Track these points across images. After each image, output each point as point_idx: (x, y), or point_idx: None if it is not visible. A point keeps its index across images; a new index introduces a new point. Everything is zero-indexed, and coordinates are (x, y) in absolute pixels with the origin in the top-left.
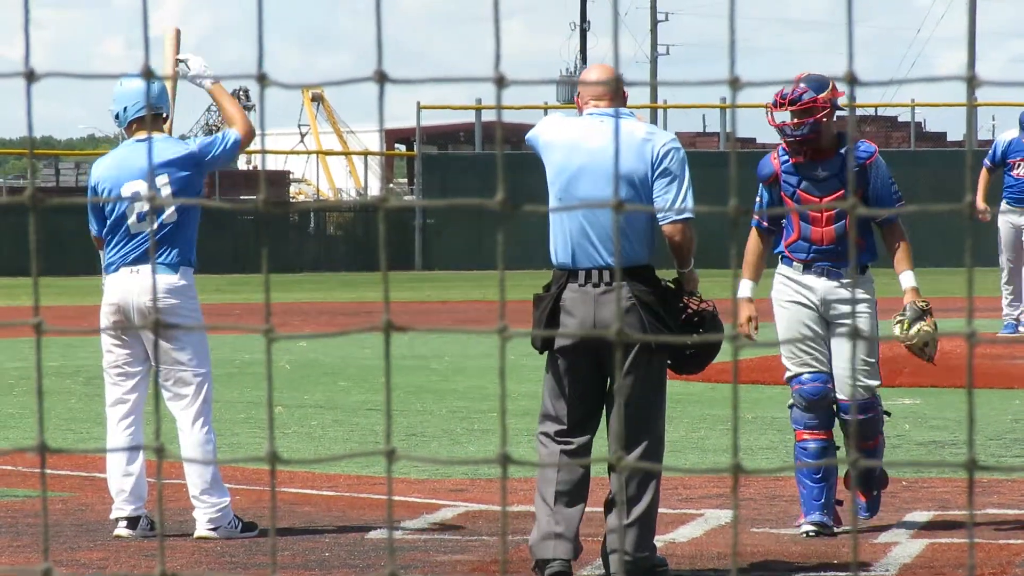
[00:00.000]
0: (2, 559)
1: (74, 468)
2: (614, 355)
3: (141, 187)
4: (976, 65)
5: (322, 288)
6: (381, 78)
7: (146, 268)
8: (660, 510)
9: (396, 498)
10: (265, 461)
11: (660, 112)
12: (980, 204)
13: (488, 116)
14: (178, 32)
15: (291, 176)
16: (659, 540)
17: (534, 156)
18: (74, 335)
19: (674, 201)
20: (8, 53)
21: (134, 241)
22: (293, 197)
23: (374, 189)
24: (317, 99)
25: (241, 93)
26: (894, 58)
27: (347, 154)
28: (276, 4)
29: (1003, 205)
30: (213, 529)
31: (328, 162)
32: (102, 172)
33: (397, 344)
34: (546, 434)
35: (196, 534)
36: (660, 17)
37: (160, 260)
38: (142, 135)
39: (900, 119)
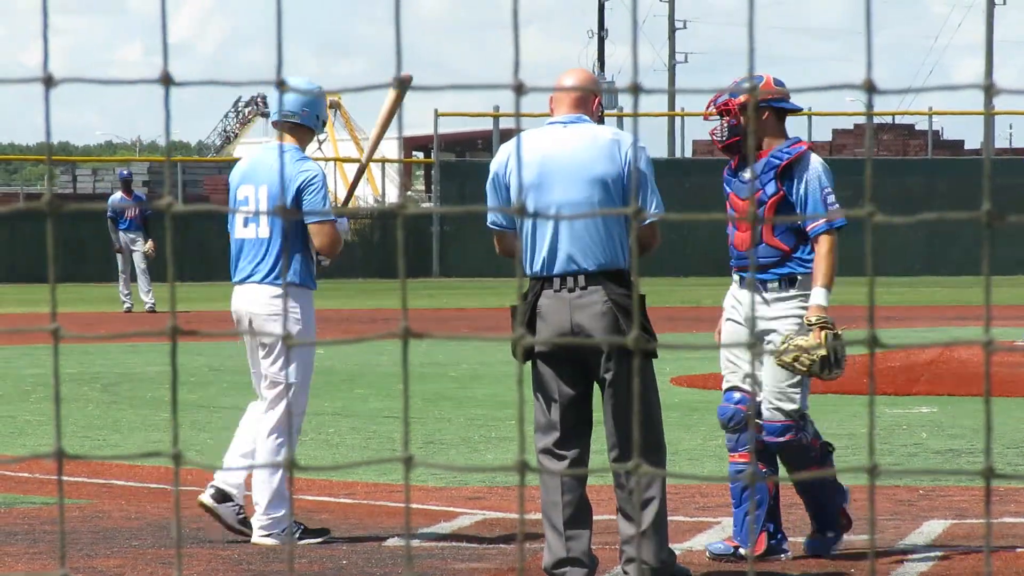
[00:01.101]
0: (19, 565)
1: (91, 475)
2: (599, 359)
3: (248, 192)
4: (993, 73)
5: (339, 295)
6: (400, 84)
7: (252, 280)
8: (677, 518)
9: (414, 506)
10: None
11: (678, 120)
12: None
13: (506, 124)
14: (405, 81)
15: None
16: (676, 548)
17: None
18: (90, 341)
19: (648, 201)
20: (25, 59)
21: (241, 249)
22: None
23: (392, 196)
24: (334, 106)
25: (259, 100)
26: (912, 66)
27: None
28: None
29: None
30: (266, 536)
31: (345, 169)
32: (233, 172)
33: (415, 351)
34: (546, 450)
35: (252, 539)
36: (678, 25)
37: (262, 272)
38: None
39: (917, 127)
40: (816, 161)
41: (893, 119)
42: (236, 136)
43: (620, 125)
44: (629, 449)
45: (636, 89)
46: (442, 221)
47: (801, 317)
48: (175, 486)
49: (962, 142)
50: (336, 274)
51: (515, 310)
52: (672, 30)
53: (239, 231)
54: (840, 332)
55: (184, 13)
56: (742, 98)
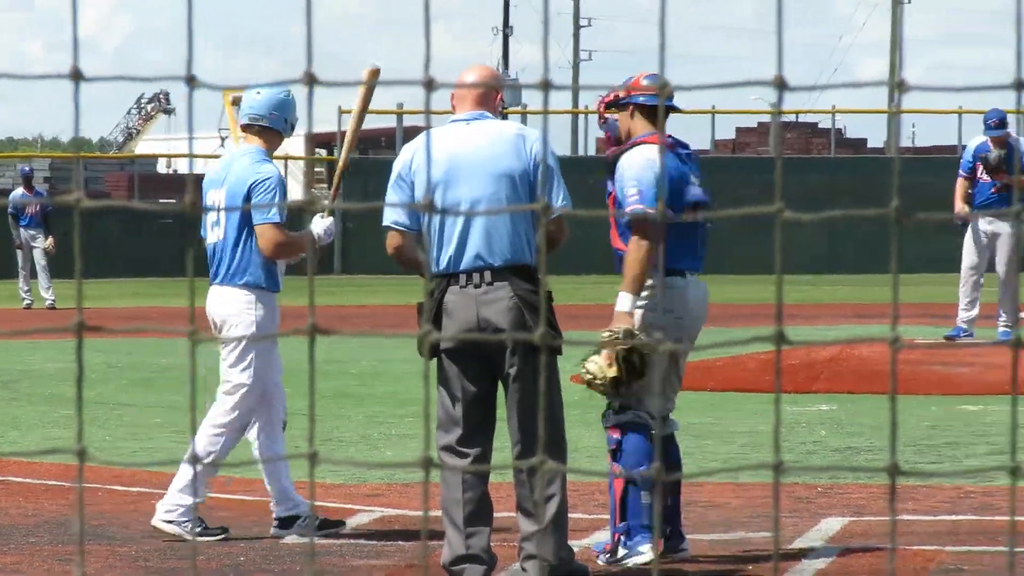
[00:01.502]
0: None
1: None
2: (504, 356)
3: (214, 196)
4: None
5: None
6: (310, 80)
7: (215, 283)
8: (576, 516)
9: (310, 502)
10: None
11: (582, 118)
12: (959, 207)
13: (409, 121)
14: (374, 73)
15: None
16: (575, 545)
17: None
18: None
19: (555, 196)
20: None
21: (212, 253)
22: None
23: (295, 194)
24: (237, 103)
25: (162, 96)
26: (816, 64)
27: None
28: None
29: (976, 213)
30: (167, 522)
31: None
32: (205, 178)
33: (315, 349)
34: (448, 448)
35: (152, 521)
36: (583, 23)
37: (220, 275)
38: (244, 143)
39: (821, 126)
40: (634, 157)
41: (797, 117)
42: (138, 133)
43: (524, 122)
44: (533, 446)
45: (546, 85)
46: (344, 218)
47: (641, 319)
48: (79, 482)
49: (865, 140)
50: None
51: (421, 307)
52: (577, 28)
53: (209, 235)
54: (638, 337)
55: (89, 10)
56: (609, 96)
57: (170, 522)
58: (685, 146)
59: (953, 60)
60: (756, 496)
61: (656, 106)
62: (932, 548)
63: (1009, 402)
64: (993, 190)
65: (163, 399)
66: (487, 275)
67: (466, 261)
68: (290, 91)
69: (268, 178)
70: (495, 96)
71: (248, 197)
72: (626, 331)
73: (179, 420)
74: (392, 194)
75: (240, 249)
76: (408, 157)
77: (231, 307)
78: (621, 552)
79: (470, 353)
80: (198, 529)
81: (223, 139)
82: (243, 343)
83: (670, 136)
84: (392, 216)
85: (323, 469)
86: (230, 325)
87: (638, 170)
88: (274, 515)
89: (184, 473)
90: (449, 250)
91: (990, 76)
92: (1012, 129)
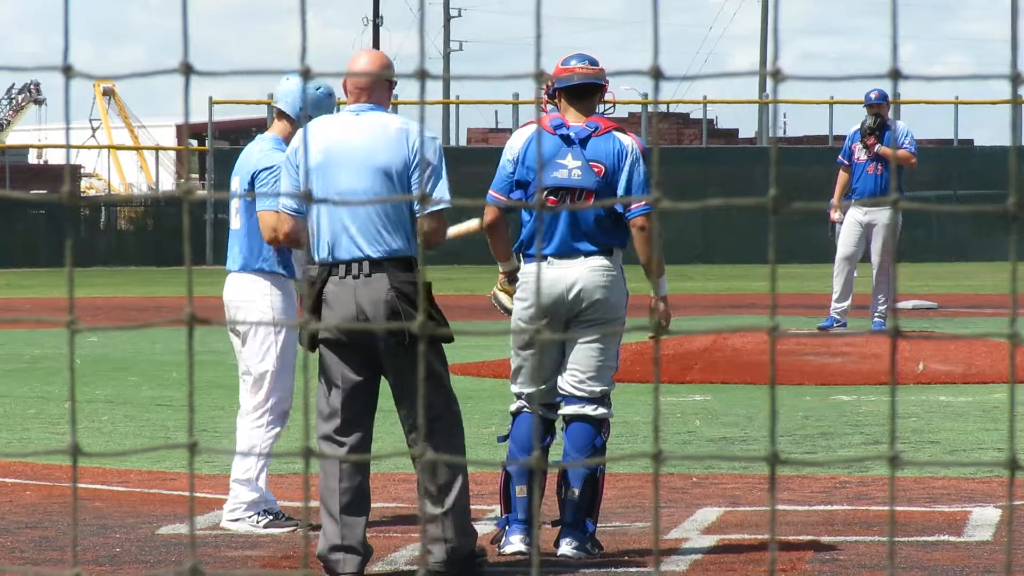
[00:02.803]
0: None
1: None
2: (384, 346)
3: (234, 183)
4: (768, 61)
5: (113, 283)
6: (187, 70)
7: (230, 269)
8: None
9: (188, 494)
10: (66, 455)
11: (453, 108)
12: (834, 214)
13: None
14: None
15: (82, 171)
16: None
17: None
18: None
19: (434, 192)
20: None
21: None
22: (84, 192)
23: (166, 184)
24: (108, 93)
25: (32, 87)
26: (687, 55)
27: (139, 149)
28: None
29: (852, 202)
30: (233, 521)
31: (119, 157)
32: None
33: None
34: (327, 437)
35: (220, 524)
36: (453, 13)
37: (232, 260)
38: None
39: (692, 116)
40: (514, 137)
41: (668, 107)
42: (8, 124)
43: (396, 111)
44: (425, 435)
45: (423, 75)
46: (216, 209)
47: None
48: None
49: (736, 131)
50: (110, 261)
51: (303, 297)
52: (447, 18)
53: (231, 222)
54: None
55: None
56: (547, 89)
57: (236, 520)
58: (580, 135)
59: (821, 50)
60: (630, 487)
61: (572, 87)
62: (807, 538)
63: (883, 391)
64: (865, 157)
65: (36, 390)
66: (365, 266)
67: (344, 251)
68: (323, 85)
69: (272, 166)
70: (387, 87)
71: (253, 184)
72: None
73: (53, 410)
74: (283, 176)
75: (253, 236)
76: (297, 143)
77: (246, 293)
78: (502, 542)
79: (349, 344)
80: (267, 519)
81: (94, 129)
82: (259, 332)
83: (556, 117)
84: (283, 201)
85: (198, 460)
86: (245, 311)
87: (513, 151)
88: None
89: (238, 469)
90: (328, 240)
91: (858, 66)
92: (890, 114)
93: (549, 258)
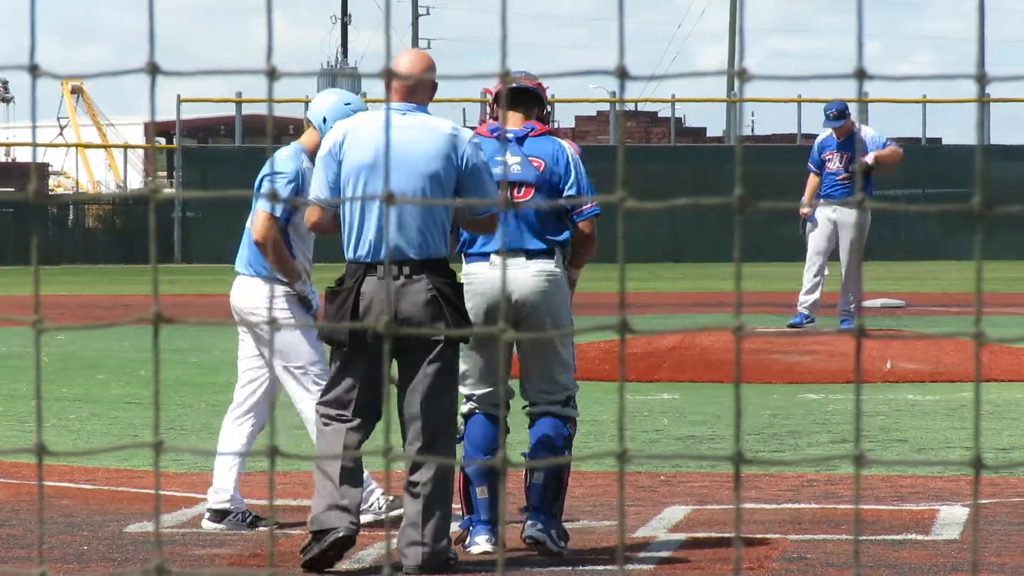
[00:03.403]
0: None
1: None
2: (409, 347)
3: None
4: (735, 61)
5: (81, 281)
6: (153, 69)
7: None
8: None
9: (155, 492)
10: (32, 453)
11: None
12: (804, 209)
13: (248, 109)
14: None
15: (50, 169)
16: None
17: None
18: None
19: (490, 195)
20: None
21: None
22: (52, 190)
23: (134, 182)
24: (77, 91)
25: (0, 85)
26: (655, 53)
27: (107, 147)
28: None
29: (820, 201)
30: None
31: (87, 155)
32: None
33: (159, 337)
34: (328, 415)
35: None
36: (421, 11)
37: (242, 263)
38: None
39: (661, 114)
40: None
41: (636, 106)
42: None
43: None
44: (421, 432)
45: (389, 74)
46: (184, 207)
47: None
48: None
49: (704, 129)
50: (78, 259)
51: (331, 293)
52: (415, 16)
53: (247, 223)
54: None
55: None
56: (495, 86)
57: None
58: (518, 134)
59: (790, 49)
60: (598, 485)
61: (510, 90)
62: (775, 536)
63: (851, 390)
64: (842, 178)
65: (4, 388)
66: (405, 268)
67: (384, 252)
68: (353, 101)
69: (280, 172)
70: (431, 88)
71: (260, 188)
72: None
73: (21, 408)
74: (318, 169)
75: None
76: (340, 136)
77: (251, 300)
78: (467, 543)
79: (371, 344)
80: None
81: (62, 128)
82: (283, 332)
83: (494, 123)
84: (316, 191)
85: (166, 458)
86: (256, 317)
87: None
88: (208, 505)
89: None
90: (368, 239)
91: (825, 65)
92: (854, 116)
93: (491, 256)
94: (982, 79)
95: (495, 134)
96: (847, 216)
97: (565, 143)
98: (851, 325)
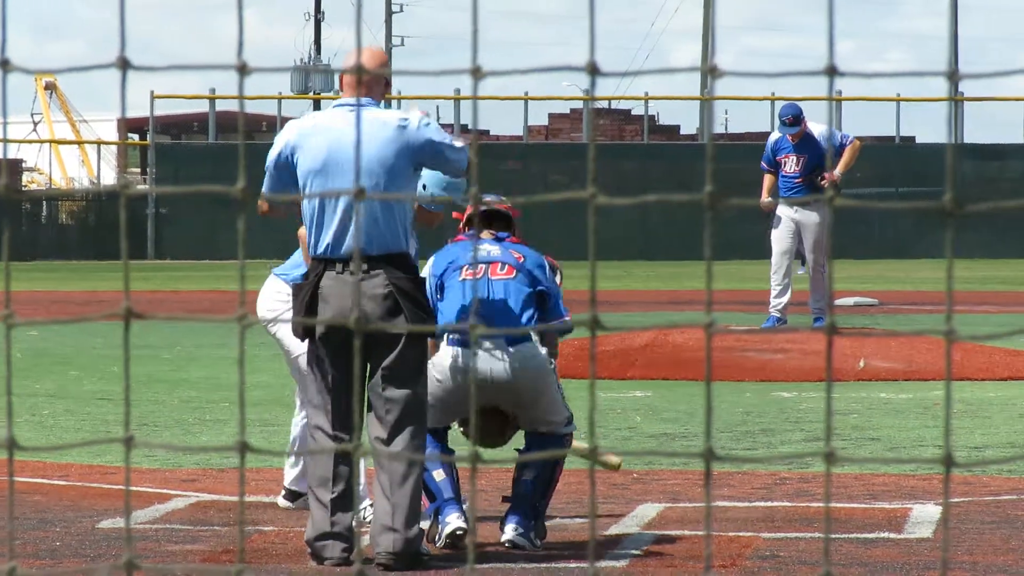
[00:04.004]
0: None
1: None
2: (375, 342)
3: None
4: (707, 58)
5: (55, 277)
6: (124, 65)
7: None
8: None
9: (125, 488)
10: (3, 448)
11: (394, 104)
12: (765, 201)
13: (222, 106)
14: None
15: (23, 165)
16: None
17: (269, 147)
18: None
19: (452, 164)
20: None
21: None
22: (25, 186)
23: (108, 179)
24: (50, 87)
25: None
26: (628, 51)
27: (80, 143)
28: None
29: (783, 199)
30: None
31: (61, 151)
32: None
33: (129, 333)
34: (319, 427)
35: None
36: (395, 8)
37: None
38: None
39: (634, 112)
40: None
41: (609, 104)
42: None
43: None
44: (395, 430)
45: (360, 70)
46: (157, 203)
47: None
48: None
49: (678, 127)
50: (51, 255)
51: (298, 289)
52: (389, 13)
53: None
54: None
55: None
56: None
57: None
58: (498, 236)
59: (763, 47)
60: (570, 482)
61: (484, 212)
62: (748, 534)
63: (823, 388)
64: (800, 180)
65: None
66: (363, 263)
67: (343, 248)
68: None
69: None
70: (384, 84)
71: None
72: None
73: None
74: (270, 173)
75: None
76: (292, 137)
77: (270, 304)
78: (439, 529)
79: (341, 339)
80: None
81: (36, 123)
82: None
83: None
84: (266, 185)
85: (138, 454)
86: (274, 328)
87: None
88: (286, 484)
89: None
90: (327, 236)
91: (799, 63)
92: (828, 118)
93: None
94: (953, 76)
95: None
96: (808, 217)
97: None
98: (824, 322)
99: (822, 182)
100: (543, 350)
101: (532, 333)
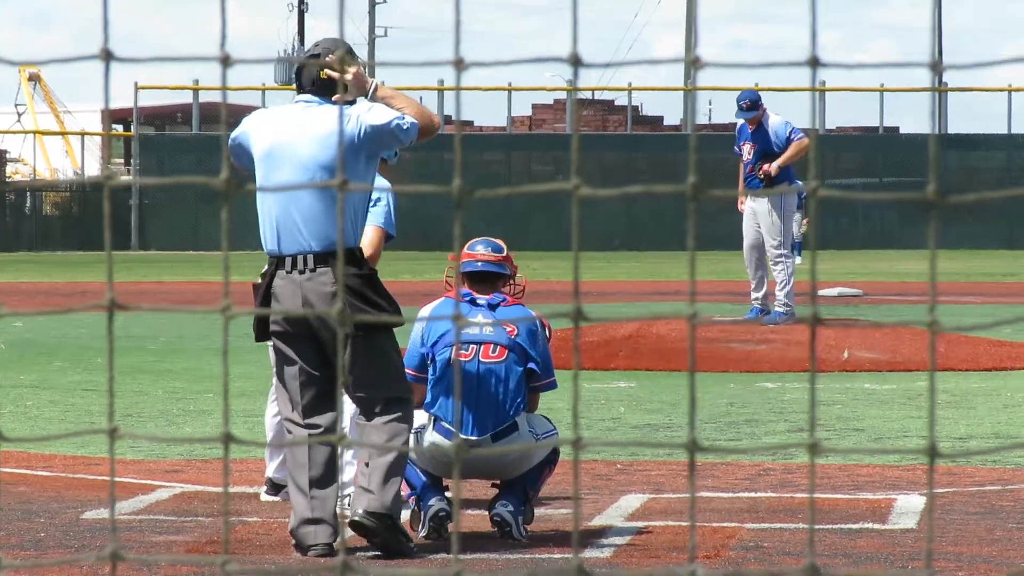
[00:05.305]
0: None
1: None
2: (332, 337)
3: None
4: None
5: (39, 268)
6: (107, 56)
7: None
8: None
9: (110, 479)
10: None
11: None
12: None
13: (205, 97)
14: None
15: (7, 155)
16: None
17: None
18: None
19: (396, 137)
20: None
21: None
22: (9, 177)
23: (92, 169)
24: (34, 78)
25: None
26: (612, 42)
27: (64, 134)
28: None
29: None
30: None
31: (45, 142)
32: None
33: (113, 324)
34: (291, 420)
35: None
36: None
37: None
38: None
39: (617, 103)
40: (422, 311)
41: (593, 94)
42: None
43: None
44: (369, 407)
45: (343, 62)
46: (141, 194)
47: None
48: None
49: (661, 118)
50: (35, 246)
51: (257, 287)
52: (372, 4)
53: None
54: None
55: None
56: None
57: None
58: (491, 302)
59: (747, 38)
60: (555, 473)
61: (474, 272)
62: (732, 525)
63: (807, 379)
64: (749, 169)
65: None
66: (310, 260)
67: (289, 246)
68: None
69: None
70: (338, 85)
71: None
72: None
73: None
74: (229, 144)
75: None
76: (245, 128)
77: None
78: (421, 516)
79: (300, 335)
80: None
81: (20, 114)
82: None
83: (468, 293)
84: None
85: (122, 444)
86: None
87: (413, 329)
88: (268, 475)
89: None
90: (275, 231)
91: (785, 54)
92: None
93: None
94: (937, 67)
95: (467, 299)
96: (760, 204)
97: (534, 313)
98: (783, 315)
99: (760, 174)
100: (528, 429)
101: (518, 421)
